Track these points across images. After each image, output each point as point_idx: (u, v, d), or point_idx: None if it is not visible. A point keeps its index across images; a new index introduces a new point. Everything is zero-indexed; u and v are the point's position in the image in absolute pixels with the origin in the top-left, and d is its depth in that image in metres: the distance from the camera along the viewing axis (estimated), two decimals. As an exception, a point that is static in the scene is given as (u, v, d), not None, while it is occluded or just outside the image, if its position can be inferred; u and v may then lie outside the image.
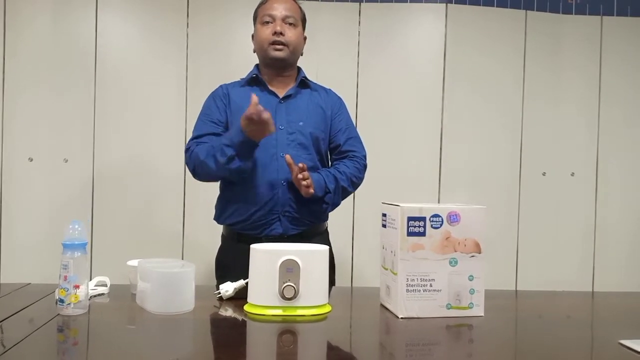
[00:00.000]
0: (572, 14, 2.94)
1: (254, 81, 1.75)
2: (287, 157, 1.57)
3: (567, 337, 1.14)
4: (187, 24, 2.65)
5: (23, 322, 1.13)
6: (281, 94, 1.72)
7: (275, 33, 1.67)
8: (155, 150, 2.62)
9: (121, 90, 2.61)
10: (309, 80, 1.79)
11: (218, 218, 1.76)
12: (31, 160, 2.56)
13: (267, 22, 1.69)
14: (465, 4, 2.82)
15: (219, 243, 1.79)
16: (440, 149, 2.76)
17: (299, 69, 1.80)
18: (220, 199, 1.76)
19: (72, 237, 1.17)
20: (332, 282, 1.74)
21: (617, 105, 2.88)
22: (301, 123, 1.69)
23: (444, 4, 2.76)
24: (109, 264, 2.43)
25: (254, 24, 1.77)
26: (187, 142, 1.72)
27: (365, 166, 1.79)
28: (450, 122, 2.76)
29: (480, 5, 2.86)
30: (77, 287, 1.16)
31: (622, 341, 1.05)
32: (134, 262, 1.34)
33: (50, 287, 1.34)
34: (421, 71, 2.76)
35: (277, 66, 1.72)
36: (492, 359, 1.03)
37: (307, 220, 1.69)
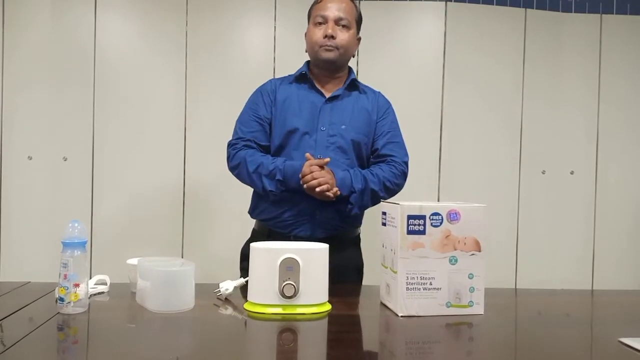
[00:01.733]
0: (571, 12, 2.94)
1: (302, 78, 1.72)
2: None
3: (566, 335, 1.14)
4: (186, 22, 2.64)
5: (23, 321, 1.13)
6: (328, 94, 1.69)
7: (326, 36, 1.64)
8: (155, 148, 2.62)
9: (120, 88, 2.60)
10: (359, 82, 1.75)
11: (252, 212, 1.74)
12: (30, 158, 2.56)
13: (320, 23, 1.66)
14: (465, 2, 2.82)
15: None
16: (440, 146, 2.76)
17: (350, 69, 1.76)
18: (254, 193, 1.74)
19: (71, 235, 1.16)
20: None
21: (616, 103, 2.88)
22: (344, 126, 1.66)
23: (444, 2, 2.75)
24: (109, 262, 2.44)
25: (308, 22, 1.73)
26: (233, 133, 1.71)
27: (404, 173, 1.72)
28: (450, 120, 2.76)
29: (479, 3, 2.86)
30: (77, 285, 1.16)
31: (622, 339, 1.05)
32: (133, 261, 1.34)
33: (50, 286, 1.34)
34: (421, 69, 2.75)
35: (327, 68, 1.69)
36: (491, 357, 1.03)
37: (337, 224, 1.66)
